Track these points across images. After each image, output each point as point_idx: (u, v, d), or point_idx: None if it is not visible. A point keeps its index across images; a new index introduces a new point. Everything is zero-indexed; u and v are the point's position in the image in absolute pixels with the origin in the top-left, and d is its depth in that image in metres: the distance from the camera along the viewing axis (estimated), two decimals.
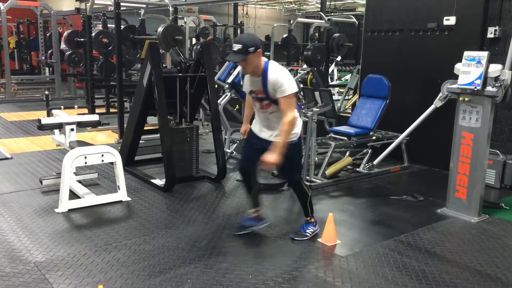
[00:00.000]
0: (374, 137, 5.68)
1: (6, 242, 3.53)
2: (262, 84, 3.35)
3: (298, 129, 3.49)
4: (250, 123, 3.79)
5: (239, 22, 12.73)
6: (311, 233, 3.75)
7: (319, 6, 10.34)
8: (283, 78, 3.27)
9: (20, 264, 3.19)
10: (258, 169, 3.69)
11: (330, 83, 10.26)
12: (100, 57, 9.38)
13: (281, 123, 3.32)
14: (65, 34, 10.66)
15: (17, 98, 11.84)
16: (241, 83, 3.70)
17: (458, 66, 4.31)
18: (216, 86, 6.08)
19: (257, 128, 3.63)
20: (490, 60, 4.14)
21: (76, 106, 8.85)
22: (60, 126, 4.95)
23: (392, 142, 5.65)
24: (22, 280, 2.96)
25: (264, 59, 3.40)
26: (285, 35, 10.42)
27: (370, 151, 5.76)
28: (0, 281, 2.94)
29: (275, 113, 3.43)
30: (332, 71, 11.51)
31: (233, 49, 3.27)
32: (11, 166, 5.64)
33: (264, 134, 3.56)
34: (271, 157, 3.27)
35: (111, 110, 9.13)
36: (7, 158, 5.99)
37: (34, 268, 3.13)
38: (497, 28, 5.32)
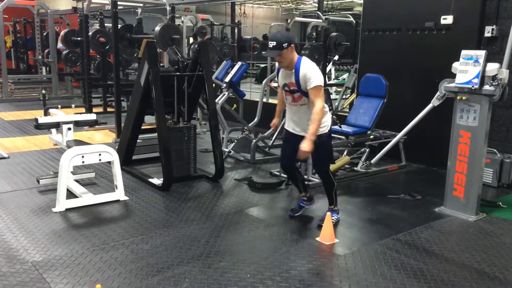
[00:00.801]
0: (371, 136, 5.68)
1: (3, 242, 3.51)
2: (294, 77, 3.68)
3: (328, 122, 3.83)
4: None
5: (236, 21, 12.68)
6: (335, 219, 3.96)
7: (317, 5, 10.32)
8: (312, 72, 3.61)
9: (17, 263, 3.18)
10: (297, 161, 4.13)
11: (328, 82, 10.25)
12: (97, 56, 9.36)
13: (312, 112, 3.60)
14: (62, 33, 10.66)
15: (14, 98, 11.81)
16: (276, 79, 4.09)
17: (455, 65, 4.31)
18: (213, 85, 6.07)
19: (290, 126, 3.95)
20: (488, 59, 4.15)
21: (73, 106, 8.78)
22: (57, 125, 4.93)
23: (389, 141, 5.65)
24: (19, 280, 2.95)
25: (296, 55, 3.72)
26: None
27: (367, 150, 5.77)
28: None
29: (305, 106, 3.76)
30: (330, 70, 11.50)
31: (269, 46, 3.59)
32: (8, 166, 5.63)
33: (298, 129, 3.86)
34: (305, 145, 3.57)
35: (108, 109, 9.10)
36: (4, 158, 5.97)
37: (31, 268, 3.12)
38: (494, 27, 5.33)
